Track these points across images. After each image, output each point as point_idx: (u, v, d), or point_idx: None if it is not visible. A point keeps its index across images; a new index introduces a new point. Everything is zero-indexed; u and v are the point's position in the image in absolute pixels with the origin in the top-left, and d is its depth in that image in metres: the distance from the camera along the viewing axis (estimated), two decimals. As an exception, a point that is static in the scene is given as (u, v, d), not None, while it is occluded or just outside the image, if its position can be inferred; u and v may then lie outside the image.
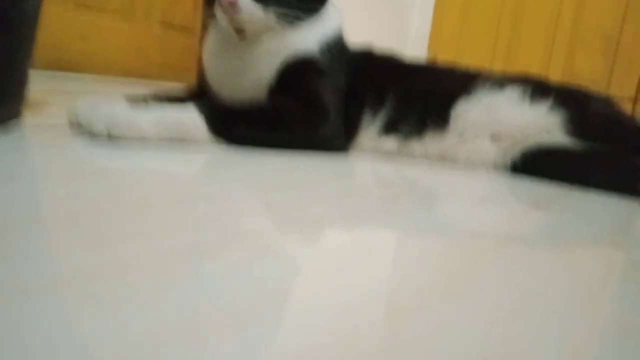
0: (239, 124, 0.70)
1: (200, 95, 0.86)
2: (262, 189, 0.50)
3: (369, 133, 0.84)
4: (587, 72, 2.22)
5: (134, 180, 0.46)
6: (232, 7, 0.72)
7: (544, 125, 0.81)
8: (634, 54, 2.12)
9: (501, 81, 0.86)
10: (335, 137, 0.79)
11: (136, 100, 0.78)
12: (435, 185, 0.70)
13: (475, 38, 2.56)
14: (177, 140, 0.64)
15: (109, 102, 0.62)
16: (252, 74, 0.79)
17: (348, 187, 0.60)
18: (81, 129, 0.61)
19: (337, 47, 0.82)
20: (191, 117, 0.65)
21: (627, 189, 0.70)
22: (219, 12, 0.74)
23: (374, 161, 0.79)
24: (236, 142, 0.69)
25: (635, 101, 2.11)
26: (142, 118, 0.61)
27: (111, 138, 0.59)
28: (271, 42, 0.78)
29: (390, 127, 0.84)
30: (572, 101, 0.83)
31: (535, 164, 0.78)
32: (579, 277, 0.37)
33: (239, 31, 0.76)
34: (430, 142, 0.84)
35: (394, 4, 2.68)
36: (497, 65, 2.39)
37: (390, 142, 0.84)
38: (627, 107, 2.06)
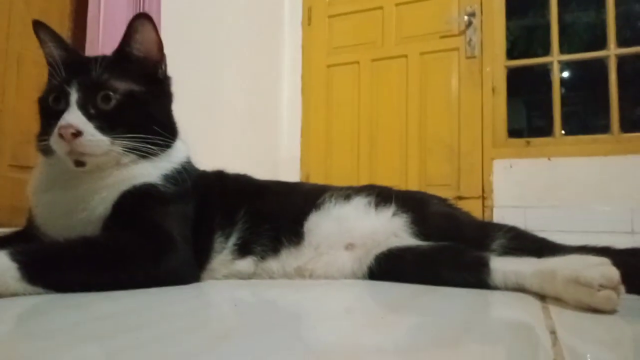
0: (65, 266, 0.62)
1: (27, 238, 0.76)
2: (95, 338, 0.43)
3: (222, 257, 0.80)
4: (438, 178, 2.48)
5: None
6: (75, 138, 0.67)
7: (390, 229, 0.84)
8: (473, 158, 2.43)
9: (348, 193, 0.90)
10: (184, 268, 0.74)
11: None
12: (296, 303, 0.67)
13: (341, 156, 2.77)
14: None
15: None
16: (85, 209, 0.72)
17: (197, 322, 0.54)
18: None
19: (181, 175, 0.78)
20: None
21: (472, 281, 0.73)
22: (56, 143, 0.68)
23: (229, 287, 0.75)
24: (61, 290, 0.60)
25: (482, 199, 2.37)
26: None
27: None
28: (109, 175, 0.73)
29: (244, 249, 0.81)
30: (412, 204, 0.88)
31: (388, 268, 0.80)
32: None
33: (79, 164, 0.71)
34: (287, 259, 0.82)
35: (264, 132, 2.82)
36: (363, 178, 2.56)
37: (246, 264, 0.81)
38: (476, 205, 2.29)
